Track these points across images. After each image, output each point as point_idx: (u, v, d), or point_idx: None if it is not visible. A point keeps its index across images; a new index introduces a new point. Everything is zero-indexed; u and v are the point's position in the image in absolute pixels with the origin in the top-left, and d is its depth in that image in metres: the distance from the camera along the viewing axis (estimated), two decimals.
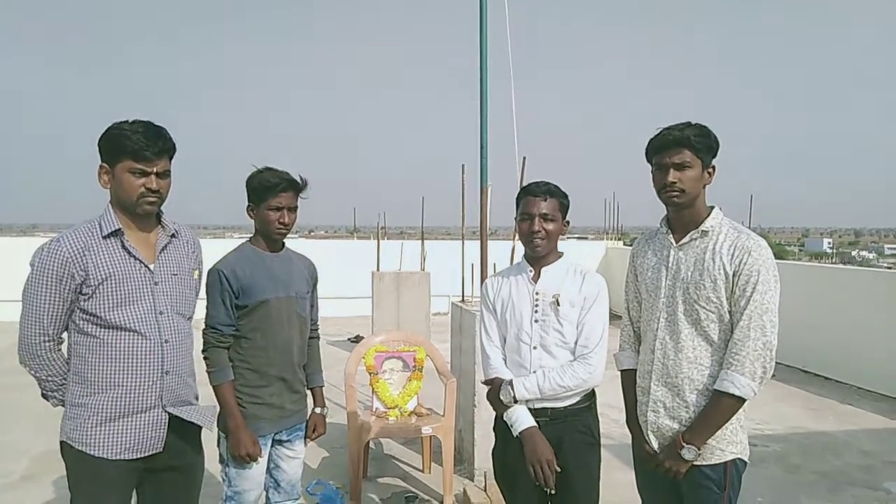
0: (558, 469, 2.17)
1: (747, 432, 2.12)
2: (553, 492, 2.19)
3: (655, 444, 2.14)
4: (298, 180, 2.53)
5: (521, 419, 2.21)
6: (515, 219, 2.37)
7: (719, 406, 2.00)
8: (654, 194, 2.15)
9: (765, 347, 1.96)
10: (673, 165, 2.04)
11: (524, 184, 2.46)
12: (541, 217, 2.26)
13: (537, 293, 2.29)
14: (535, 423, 2.21)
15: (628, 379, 2.28)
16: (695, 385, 2.05)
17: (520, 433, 2.20)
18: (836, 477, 4.36)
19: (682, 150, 2.04)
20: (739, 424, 2.07)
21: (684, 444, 2.02)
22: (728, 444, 2.05)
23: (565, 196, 2.33)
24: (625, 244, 13.68)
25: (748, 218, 12.43)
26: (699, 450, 2.02)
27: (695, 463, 2.04)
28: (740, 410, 2.03)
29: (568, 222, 2.36)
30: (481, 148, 4.38)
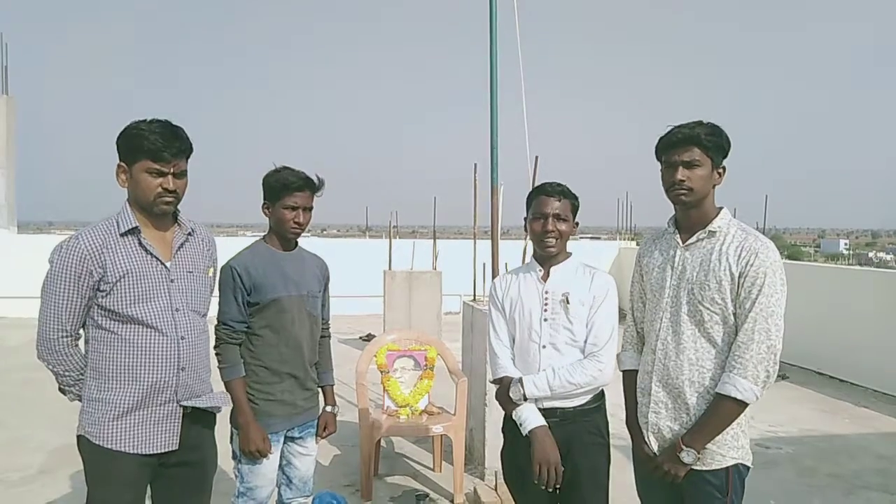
0: (562, 468, 2.17)
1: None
2: (554, 490, 2.18)
3: (655, 446, 2.12)
4: (315, 180, 2.55)
5: (530, 418, 2.21)
6: (526, 218, 2.38)
7: (720, 409, 1.97)
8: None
9: (769, 351, 1.93)
10: (682, 163, 2.03)
11: (537, 183, 2.47)
12: (554, 217, 2.27)
13: (546, 292, 2.29)
14: (544, 423, 2.20)
15: (629, 379, 2.26)
16: (695, 387, 2.03)
17: (529, 432, 2.19)
18: (851, 480, 4.32)
19: (691, 147, 2.02)
20: (741, 429, 2.04)
21: (683, 446, 1.99)
22: (729, 448, 2.01)
23: (576, 198, 2.36)
24: (637, 244, 13.62)
25: (763, 218, 12.33)
26: (699, 453, 1.99)
27: (696, 468, 2.01)
28: (742, 415, 2.00)
29: (577, 223, 2.37)
30: (492, 148, 4.39)
